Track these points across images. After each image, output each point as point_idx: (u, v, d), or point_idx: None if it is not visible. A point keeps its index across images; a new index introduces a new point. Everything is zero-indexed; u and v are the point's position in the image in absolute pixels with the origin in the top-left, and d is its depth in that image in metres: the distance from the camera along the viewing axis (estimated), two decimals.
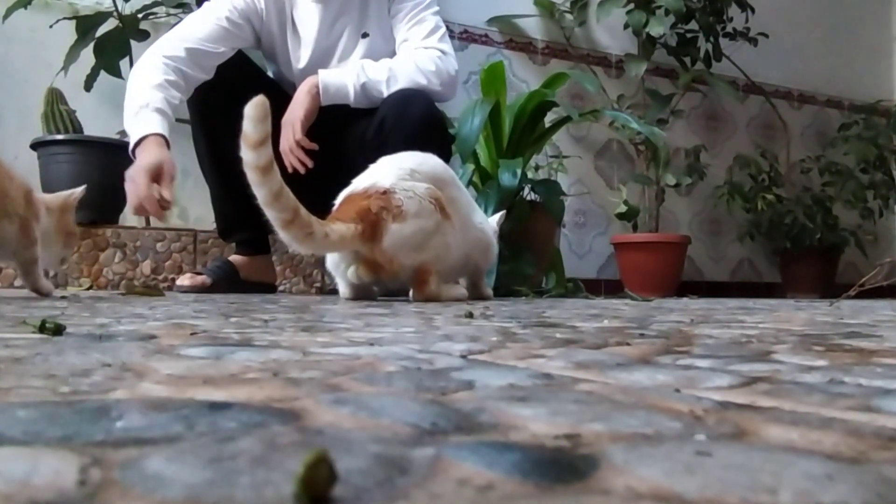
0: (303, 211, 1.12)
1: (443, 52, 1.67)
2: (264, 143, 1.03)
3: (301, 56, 1.74)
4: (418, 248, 1.24)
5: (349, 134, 1.67)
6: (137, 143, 1.50)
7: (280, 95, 1.74)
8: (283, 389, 0.28)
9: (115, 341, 0.45)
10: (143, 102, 1.52)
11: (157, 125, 1.50)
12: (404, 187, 1.24)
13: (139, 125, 1.50)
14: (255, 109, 1.01)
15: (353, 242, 1.20)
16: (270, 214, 1.11)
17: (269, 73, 1.88)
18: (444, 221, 1.27)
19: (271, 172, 1.06)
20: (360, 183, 1.28)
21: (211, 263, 1.84)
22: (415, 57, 1.64)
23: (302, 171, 1.59)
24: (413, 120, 1.56)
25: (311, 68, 1.69)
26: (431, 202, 1.25)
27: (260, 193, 1.08)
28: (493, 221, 1.59)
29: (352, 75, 1.61)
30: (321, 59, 1.73)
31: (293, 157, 1.60)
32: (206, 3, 1.71)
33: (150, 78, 1.56)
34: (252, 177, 1.06)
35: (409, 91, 1.59)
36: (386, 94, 1.60)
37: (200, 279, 1.70)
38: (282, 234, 1.14)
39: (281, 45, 1.75)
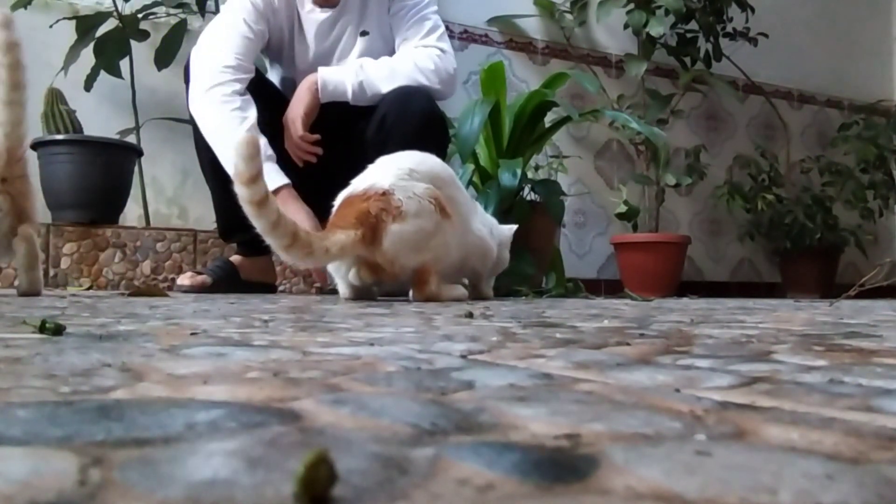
0: (301, 232, 1.13)
1: (442, 50, 1.68)
2: (257, 179, 1.05)
3: (303, 55, 1.75)
4: (418, 249, 1.24)
5: (351, 132, 1.68)
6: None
7: (280, 97, 1.74)
8: (283, 389, 0.28)
9: (115, 341, 0.45)
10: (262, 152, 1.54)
11: (282, 176, 1.53)
12: (403, 187, 1.24)
13: (269, 180, 1.54)
14: (245, 148, 1.03)
15: (353, 249, 1.20)
16: (270, 241, 1.13)
17: (273, 76, 1.88)
18: (443, 221, 1.27)
19: (267, 205, 1.08)
20: (358, 184, 1.28)
21: (211, 263, 1.85)
22: (414, 55, 1.65)
23: (313, 160, 1.62)
24: (414, 116, 1.57)
25: (313, 66, 1.69)
26: (431, 202, 1.25)
27: (258, 224, 1.10)
28: (506, 229, 1.58)
29: (351, 73, 1.62)
30: (322, 57, 1.73)
31: (300, 152, 1.63)
32: (225, 12, 1.69)
33: (243, 120, 1.55)
34: (248, 210, 1.08)
35: (410, 88, 1.60)
36: (385, 91, 1.61)
37: (200, 279, 1.70)
38: (283, 256, 1.16)
39: (287, 43, 1.75)
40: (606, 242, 3.05)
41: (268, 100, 1.68)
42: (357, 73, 1.62)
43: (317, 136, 1.62)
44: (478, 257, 1.45)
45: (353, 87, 1.61)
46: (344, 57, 1.74)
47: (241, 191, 1.06)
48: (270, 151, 1.54)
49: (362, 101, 1.63)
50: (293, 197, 1.54)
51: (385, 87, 1.61)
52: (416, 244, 1.24)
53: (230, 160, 1.54)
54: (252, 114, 1.57)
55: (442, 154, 1.58)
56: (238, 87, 1.58)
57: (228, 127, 1.55)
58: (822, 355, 0.43)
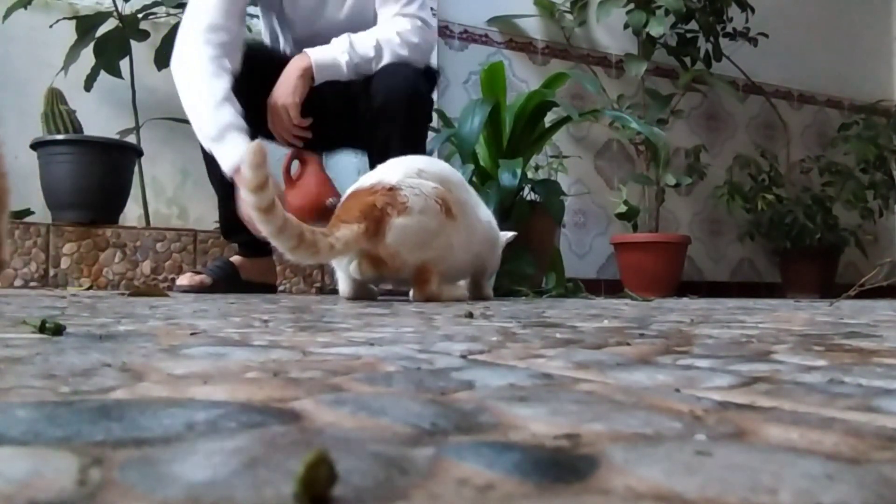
0: (307, 232, 1.14)
1: (424, 21, 1.70)
2: (264, 186, 1.06)
3: (296, 6, 1.75)
4: (421, 246, 1.25)
5: (337, 102, 1.69)
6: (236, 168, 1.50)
7: (276, 64, 1.70)
8: (283, 389, 0.28)
9: (115, 341, 0.45)
10: (225, 122, 1.53)
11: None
12: (411, 184, 1.25)
13: (232, 149, 1.52)
14: (253, 156, 1.04)
15: (357, 243, 1.21)
16: (276, 244, 1.14)
17: (267, 26, 1.86)
18: (448, 222, 1.28)
19: (273, 210, 1.09)
20: (366, 179, 1.30)
21: (211, 263, 1.85)
22: (398, 27, 1.67)
23: (301, 145, 1.66)
24: (403, 94, 1.61)
25: (304, 16, 1.72)
26: (437, 202, 1.26)
27: (265, 229, 1.11)
28: (504, 237, 1.59)
29: (342, 52, 1.63)
30: (315, 8, 1.74)
31: (289, 136, 1.65)
32: None
33: (213, 89, 1.55)
34: (255, 216, 1.09)
35: (397, 67, 1.63)
36: (375, 68, 1.64)
37: (199, 278, 1.70)
38: (289, 256, 1.18)
39: None
40: (606, 242, 3.05)
41: (262, 69, 1.67)
42: (349, 52, 1.63)
43: (309, 120, 1.63)
44: (488, 250, 1.46)
45: (347, 66, 1.63)
46: (336, 9, 1.74)
47: (248, 197, 1.07)
48: (242, 124, 1.54)
49: (353, 77, 1.66)
50: None
51: (374, 65, 1.64)
52: (418, 240, 1.24)
53: (199, 116, 1.54)
54: (224, 80, 1.56)
55: (427, 122, 1.68)
56: (212, 52, 1.58)
57: (201, 85, 1.56)
58: (822, 355, 0.43)
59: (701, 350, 0.46)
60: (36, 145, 2.07)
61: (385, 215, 1.22)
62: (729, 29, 3.00)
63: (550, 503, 0.15)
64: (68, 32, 2.15)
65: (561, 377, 0.33)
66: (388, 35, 1.66)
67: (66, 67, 2.11)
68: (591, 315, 0.90)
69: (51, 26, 2.19)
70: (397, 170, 1.29)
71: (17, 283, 1.95)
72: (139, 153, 2.23)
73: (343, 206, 1.28)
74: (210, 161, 1.69)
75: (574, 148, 3.00)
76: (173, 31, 2.26)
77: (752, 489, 0.16)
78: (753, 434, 0.22)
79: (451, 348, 0.44)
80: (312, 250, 1.15)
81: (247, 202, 1.08)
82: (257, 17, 2.20)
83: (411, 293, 1.30)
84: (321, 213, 1.49)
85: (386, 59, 1.63)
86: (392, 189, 1.24)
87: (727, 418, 0.24)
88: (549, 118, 2.26)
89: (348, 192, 1.32)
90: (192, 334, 0.51)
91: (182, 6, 2.20)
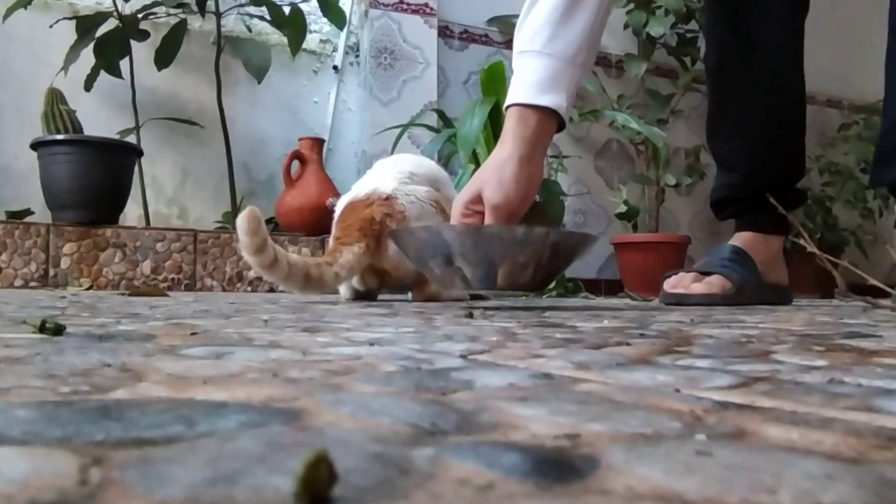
0: (312, 269, 1.16)
1: None
2: (263, 248, 1.10)
3: None
4: None
5: None
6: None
7: None
8: (283, 389, 0.28)
9: (115, 341, 0.45)
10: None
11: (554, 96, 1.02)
12: (406, 192, 1.26)
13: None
14: (247, 223, 1.07)
15: (360, 264, 1.22)
16: (286, 288, 1.18)
17: None
18: (444, 223, 1.28)
19: (276, 265, 1.12)
20: (360, 189, 1.30)
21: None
22: None
23: None
24: None
25: None
26: (432, 205, 1.27)
27: (271, 280, 1.16)
28: None
29: None
30: None
31: None
32: None
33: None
34: (260, 272, 1.14)
35: None
36: None
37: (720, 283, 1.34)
38: (299, 294, 1.24)
39: None
40: (606, 242, 3.05)
41: None
42: None
43: None
44: None
45: None
46: None
47: (249, 259, 1.11)
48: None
49: None
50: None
51: None
52: None
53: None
54: None
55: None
56: None
57: None
58: (822, 355, 0.43)
59: (701, 350, 0.46)
60: (36, 145, 2.07)
61: (385, 227, 1.23)
62: None
63: (550, 503, 0.15)
64: (68, 32, 2.15)
65: (561, 377, 0.33)
66: None
67: (66, 67, 2.11)
68: (591, 315, 0.90)
69: (51, 26, 2.19)
70: (390, 176, 1.30)
71: (17, 283, 1.96)
72: (139, 153, 2.23)
73: (341, 225, 1.28)
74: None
75: (574, 148, 3.00)
76: (173, 31, 2.27)
77: (752, 489, 0.16)
78: (753, 434, 0.22)
79: (451, 348, 0.44)
80: (320, 284, 1.18)
81: (249, 262, 1.12)
82: None
83: (410, 294, 1.31)
84: (321, 212, 1.49)
85: None
86: (388, 198, 1.25)
87: (727, 418, 0.24)
88: None
89: (343, 201, 1.32)
90: (192, 334, 0.51)
91: (182, 6, 2.20)
